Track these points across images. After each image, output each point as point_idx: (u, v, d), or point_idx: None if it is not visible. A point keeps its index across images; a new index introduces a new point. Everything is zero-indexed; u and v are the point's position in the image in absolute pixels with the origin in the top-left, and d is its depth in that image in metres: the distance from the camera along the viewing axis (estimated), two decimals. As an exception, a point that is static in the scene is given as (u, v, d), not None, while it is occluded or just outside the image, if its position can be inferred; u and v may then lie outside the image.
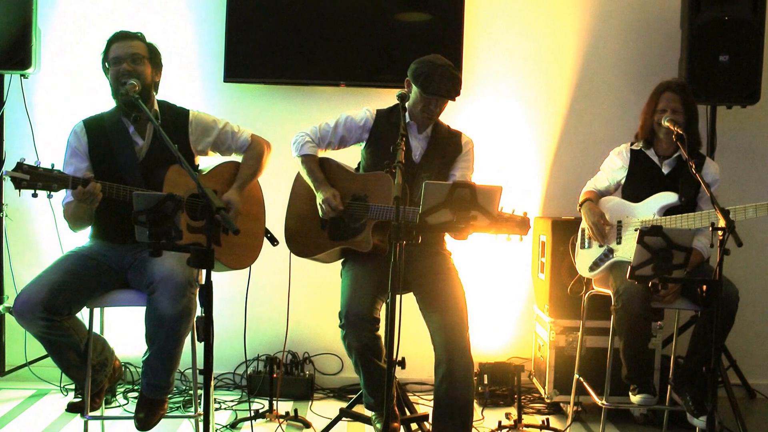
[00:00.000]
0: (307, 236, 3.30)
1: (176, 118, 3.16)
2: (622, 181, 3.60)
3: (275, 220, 3.36)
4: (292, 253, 3.32)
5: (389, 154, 2.71)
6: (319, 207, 3.19)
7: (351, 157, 3.42)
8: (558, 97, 4.37)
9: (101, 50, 3.10)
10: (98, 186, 2.80)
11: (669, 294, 3.28)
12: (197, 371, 2.80)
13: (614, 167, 3.62)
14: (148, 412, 2.95)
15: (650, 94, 3.52)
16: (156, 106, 3.11)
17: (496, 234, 2.92)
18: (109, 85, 3.05)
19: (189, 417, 3.61)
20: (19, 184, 2.69)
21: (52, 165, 2.76)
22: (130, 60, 3.00)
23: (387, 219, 3.10)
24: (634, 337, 3.26)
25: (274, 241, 3.30)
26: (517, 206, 3.00)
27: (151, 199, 2.45)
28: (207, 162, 3.30)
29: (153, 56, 3.11)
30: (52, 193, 2.77)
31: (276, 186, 3.49)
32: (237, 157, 3.29)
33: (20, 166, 2.70)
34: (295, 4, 4.15)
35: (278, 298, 3.59)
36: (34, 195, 2.71)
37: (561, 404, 3.93)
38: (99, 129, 3.07)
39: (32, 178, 2.70)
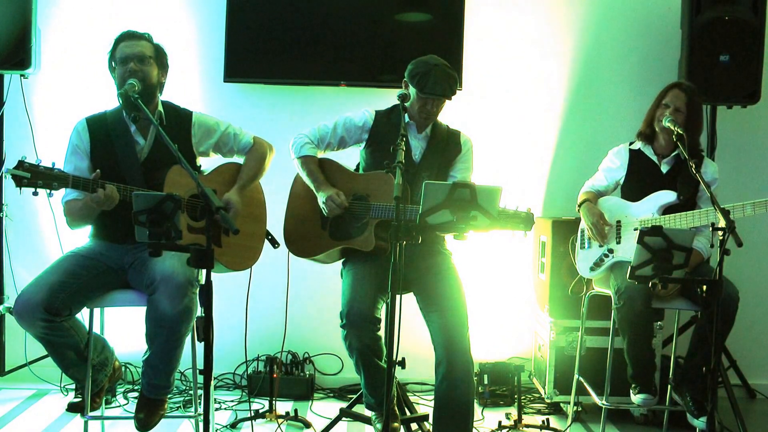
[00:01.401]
0: (308, 237, 3.30)
1: (180, 119, 3.16)
2: (621, 181, 3.60)
3: (275, 221, 3.36)
4: (291, 254, 3.32)
5: (389, 154, 2.71)
6: (322, 206, 3.19)
7: (350, 158, 3.42)
8: (558, 96, 4.37)
9: (105, 49, 3.08)
10: (114, 188, 2.81)
11: (669, 293, 3.28)
12: (197, 371, 2.80)
13: (613, 167, 3.62)
14: (148, 412, 2.95)
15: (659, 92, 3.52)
16: (160, 107, 3.11)
17: (500, 229, 2.93)
18: (115, 84, 3.04)
19: (189, 417, 3.61)
20: (20, 182, 2.69)
21: (53, 164, 2.77)
22: (137, 60, 2.99)
23: (389, 218, 3.10)
24: (636, 336, 3.26)
25: (275, 243, 3.30)
26: (519, 204, 3.01)
27: (151, 199, 2.45)
28: (209, 163, 3.30)
29: (159, 57, 3.11)
30: (52, 191, 2.78)
31: (276, 187, 3.49)
32: (239, 159, 3.29)
33: (21, 164, 2.70)
34: (296, 4, 4.15)
35: (278, 298, 3.60)
36: (35, 193, 2.72)
37: (561, 404, 3.93)
38: (101, 127, 3.07)
39: (33, 176, 2.71)
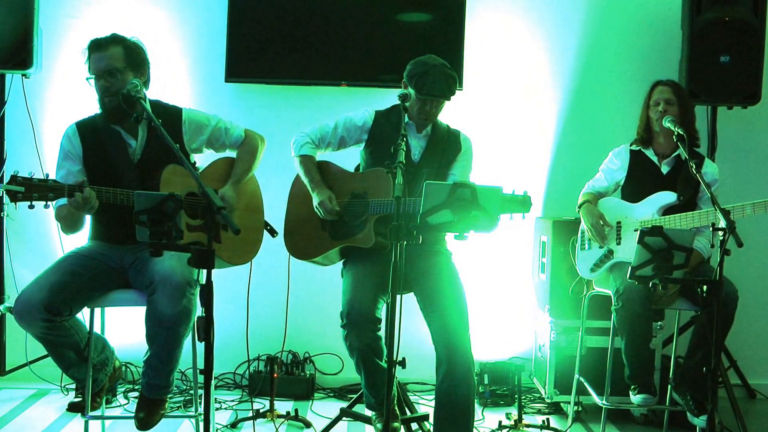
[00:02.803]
0: (308, 238, 3.30)
1: (169, 117, 3.11)
2: (621, 182, 3.60)
3: (275, 220, 3.36)
4: (293, 257, 3.32)
5: (388, 154, 2.71)
6: (316, 210, 3.19)
7: (350, 159, 3.42)
8: (559, 97, 4.37)
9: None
10: (93, 193, 2.78)
11: (667, 295, 3.28)
12: (198, 371, 2.80)
13: (613, 168, 3.62)
14: (148, 412, 2.94)
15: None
16: (148, 107, 3.09)
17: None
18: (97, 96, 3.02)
19: (189, 417, 3.61)
20: (14, 197, 2.66)
21: (46, 175, 2.74)
22: (107, 75, 2.93)
23: (388, 213, 3.11)
24: (634, 337, 3.26)
25: (273, 233, 3.29)
26: (515, 188, 3.02)
27: (153, 199, 2.45)
28: (202, 159, 3.30)
29: (132, 58, 3.00)
30: (48, 203, 2.74)
31: (276, 187, 3.49)
32: (231, 153, 3.27)
33: (14, 179, 2.66)
34: (297, 4, 4.16)
35: (279, 298, 3.60)
36: (31, 207, 2.69)
37: (561, 404, 3.93)
38: (92, 132, 3.05)
39: (27, 189, 2.67)
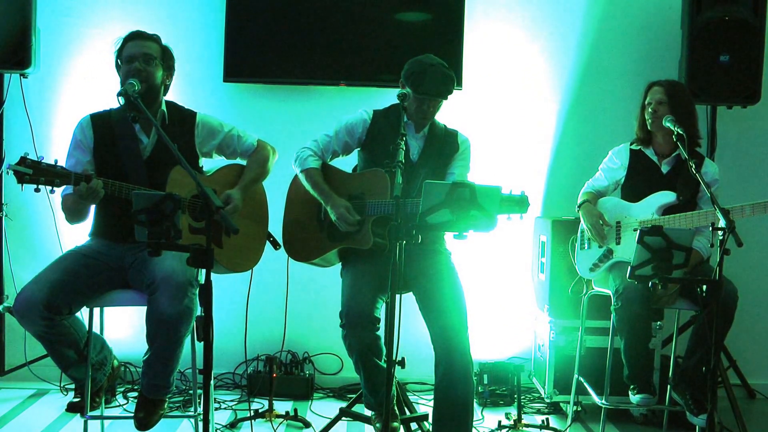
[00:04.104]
0: (307, 240, 3.30)
1: (183, 119, 3.16)
2: (621, 181, 3.60)
3: (273, 221, 3.35)
4: (292, 259, 3.32)
5: (386, 153, 2.70)
6: (336, 223, 3.18)
7: (349, 160, 3.41)
8: (558, 96, 4.37)
9: (105, 49, 3.10)
10: (100, 183, 2.80)
11: (667, 294, 3.28)
12: (197, 371, 2.80)
13: (614, 167, 3.62)
14: (147, 412, 2.94)
15: None
16: (163, 107, 3.11)
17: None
18: (120, 83, 3.04)
19: (189, 417, 3.61)
20: (21, 179, 2.69)
21: (56, 161, 2.76)
22: (142, 59, 2.99)
23: (385, 214, 3.11)
24: (634, 337, 3.26)
25: (276, 245, 3.30)
26: (513, 188, 3.00)
27: (150, 198, 2.45)
28: (211, 164, 3.30)
29: (166, 59, 3.09)
30: (54, 188, 2.77)
31: (276, 189, 3.49)
32: (242, 161, 3.29)
33: (24, 161, 2.69)
34: (295, 4, 4.15)
35: (278, 298, 3.60)
36: (37, 190, 2.72)
37: (561, 404, 3.93)
38: (105, 124, 3.07)
39: (35, 172, 2.70)
